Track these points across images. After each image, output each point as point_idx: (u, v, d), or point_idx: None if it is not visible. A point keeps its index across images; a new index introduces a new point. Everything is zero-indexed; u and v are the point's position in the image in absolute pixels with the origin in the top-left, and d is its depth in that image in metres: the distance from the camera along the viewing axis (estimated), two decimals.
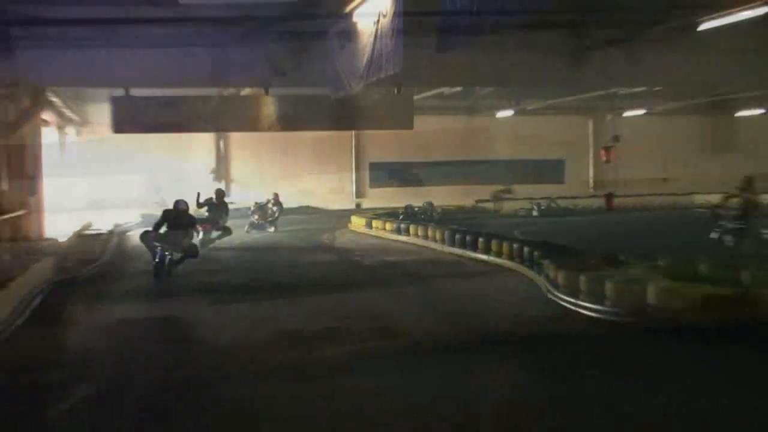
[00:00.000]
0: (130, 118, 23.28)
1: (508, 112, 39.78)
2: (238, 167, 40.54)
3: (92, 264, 19.41)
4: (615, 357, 10.21)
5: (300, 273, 18.78)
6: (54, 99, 27.58)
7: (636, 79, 27.45)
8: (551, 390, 8.83)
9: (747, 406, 8.08)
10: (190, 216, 18.93)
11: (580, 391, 8.76)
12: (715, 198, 33.39)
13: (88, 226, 28.52)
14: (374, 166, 42.76)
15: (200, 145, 38.88)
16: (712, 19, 19.08)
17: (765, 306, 10.76)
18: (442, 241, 22.59)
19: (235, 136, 39.22)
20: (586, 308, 12.43)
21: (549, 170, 44.19)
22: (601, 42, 23.15)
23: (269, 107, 24.18)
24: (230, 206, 25.62)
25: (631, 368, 9.60)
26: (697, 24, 19.76)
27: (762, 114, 41.57)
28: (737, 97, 36.28)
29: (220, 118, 24.44)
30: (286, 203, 31.34)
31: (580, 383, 9.06)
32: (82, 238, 24.62)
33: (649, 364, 9.91)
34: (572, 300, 12.88)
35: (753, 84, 29.59)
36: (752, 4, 17.34)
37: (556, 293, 13.59)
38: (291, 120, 24.69)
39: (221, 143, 40.07)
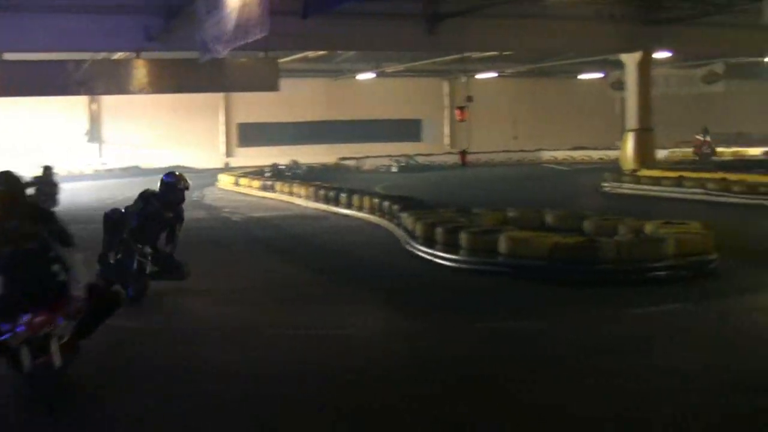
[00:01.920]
0: (3, 83, 22.47)
1: (369, 75, 39.87)
2: (110, 129, 39.63)
3: None
4: (458, 298, 10.61)
5: None
6: None
7: (487, 44, 27.91)
8: (398, 325, 9.16)
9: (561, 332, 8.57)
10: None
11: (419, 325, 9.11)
12: (559, 154, 34.47)
13: None
14: (243, 127, 42.40)
15: (73, 107, 37.84)
16: None
17: (605, 252, 11.15)
18: (307, 198, 22.61)
19: (108, 99, 38.25)
20: (441, 257, 12.65)
21: (408, 130, 44.62)
22: (456, 11, 23.40)
23: (140, 71, 23.61)
24: None
25: (469, 307, 10.01)
26: None
27: (600, 77, 42.86)
28: (579, 61, 37.31)
29: (92, 82, 23.71)
30: (158, 163, 30.77)
31: (423, 319, 9.39)
32: None
33: (483, 301, 10.37)
34: (429, 250, 13.09)
35: (591, 49, 30.42)
36: None
37: (413, 244, 13.78)
38: (162, 83, 24.20)
39: (94, 106, 39.09)
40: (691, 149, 40.02)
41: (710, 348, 8.06)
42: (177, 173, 11.33)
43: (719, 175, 22.98)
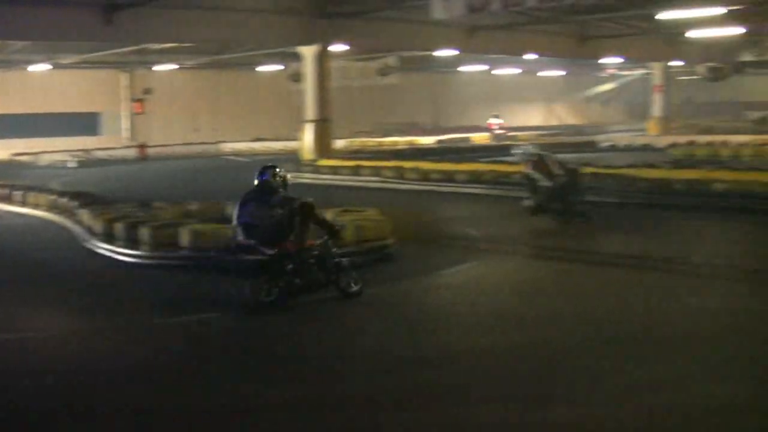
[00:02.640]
0: None
1: (42, 66, 37.93)
2: None
3: None
4: (139, 294, 10.40)
5: None
6: None
7: (166, 35, 27.42)
8: (78, 325, 8.84)
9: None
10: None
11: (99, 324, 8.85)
12: (241, 146, 34.48)
13: None
14: None
15: None
16: None
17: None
18: None
19: None
20: (123, 254, 12.31)
21: (85, 123, 42.90)
22: (133, 0, 22.82)
23: None
24: None
25: (149, 303, 9.86)
26: None
27: (280, 69, 43.42)
28: (258, 53, 37.58)
29: None
30: None
31: (103, 318, 9.12)
32: None
33: (164, 296, 10.25)
34: (109, 247, 12.69)
35: (270, 41, 30.74)
36: None
37: (94, 242, 13.30)
38: None
39: None
40: (367, 139, 41.71)
41: (389, 327, 8.39)
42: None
43: (394, 163, 24.01)
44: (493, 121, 45.21)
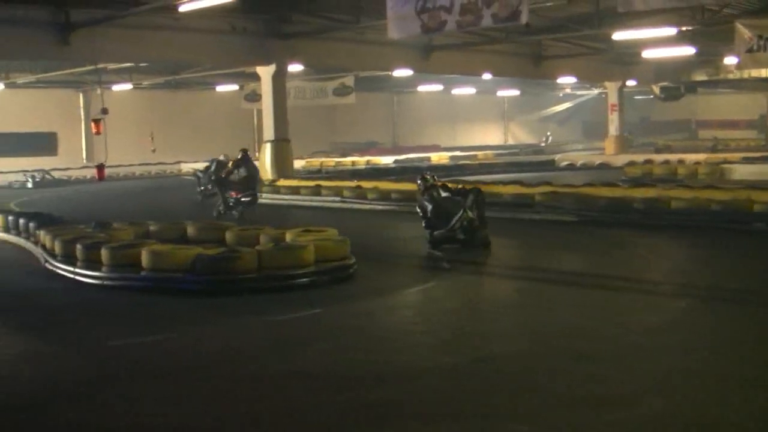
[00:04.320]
0: None
1: None
2: None
3: None
4: (97, 316, 10.37)
5: None
6: None
7: (122, 55, 27.36)
8: (32, 348, 8.70)
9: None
10: None
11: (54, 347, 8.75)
12: (201, 165, 34.46)
13: None
14: None
15: None
16: (191, 1, 19.60)
17: (246, 262, 11.32)
18: None
19: None
20: (83, 275, 12.26)
21: (42, 143, 42.53)
22: (89, 19, 22.76)
23: None
24: None
25: (107, 324, 9.82)
26: (177, 6, 20.21)
27: (236, 90, 43.47)
28: (215, 73, 37.59)
29: None
30: None
31: (59, 340, 9.03)
32: None
33: (122, 318, 10.24)
34: (69, 268, 12.63)
35: (226, 62, 30.77)
36: None
37: (54, 263, 13.23)
38: None
39: None
40: (326, 158, 41.84)
41: (346, 347, 8.44)
42: None
43: (354, 183, 24.10)
44: None
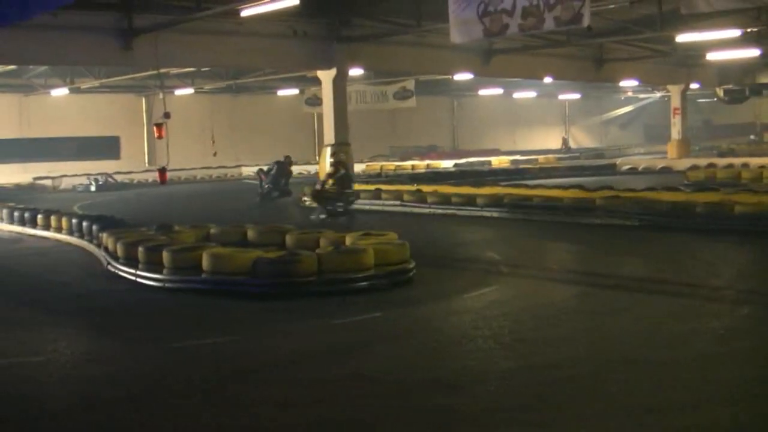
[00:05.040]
0: None
1: (62, 90, 38.30)
2: None
3: None
4: (160, 318, 10.51)
5: None
6: None
7: (183, 59, 27.64)
8: (97, 348, 8.83)
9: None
10: None
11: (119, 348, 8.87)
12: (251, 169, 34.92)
13: None
14: None
15: None
16: (253, 6, 19.75)
17: (306, 265, 11.36)
18: (1, 219, 21.37)
19: None
20: (144, 277, 12.40)
21: (105, 146, 43.22)
22: (152, 24, 23.05)
23: None
24: None
25: (169, 326, 9.96)
26: (240, 10, 20.38)
27: (296, 93, 43.71)
28: (275, 77, 37.84)
29: None
30: None
31: (124, 341, 9.14)
32: None
33: (184, 319, 10.33)
34: (131, 270, 12.79)
35: (287, 66, 30.97)
36: None
37: (115, 265, 13.41)
38: None
39: None
40: (386, 162, 41.94)
41: (405, 351, 8.43)
42: None
43: (414, 187, 24.10)
44: None
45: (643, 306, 10.30)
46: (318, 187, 21.60)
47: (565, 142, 58.11)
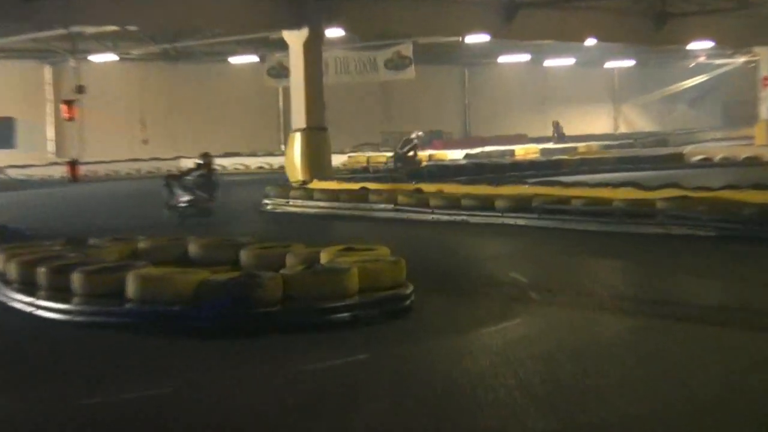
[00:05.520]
0: None
1: None
2: None
3: None
4: (68, 364, 10.35)
5: None
6: None
7: (104, 16, 27.57)
8: None
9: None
10: None
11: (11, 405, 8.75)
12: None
13: None
14: None
15: None
16: None
17: (268, 290, 11.27)
18: None
19: None
20: (46, 308, 12.29)
21: None
22: None
23: None
24: None
25: (81, 376, 9.73)
26: None
27: (256, 62, 43.70)
28: (228, 40, 37.77)
29: None
30: None
31: (17, 396, 9.01)
32: None
33: (100, 366, 10.14)
34: (28, 299, 12.67)
35: (244, 25, 30.90)
36: None
37: (6, 292, 13.29)
38: None
39: None
40: (375, 153, 41.78)
41: (404, 408, 8.34)
42: None
43: (412, 186, 24.03)
44: None
45: (721, 344, 10.25)
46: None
47: (557, 128, 56.42)
